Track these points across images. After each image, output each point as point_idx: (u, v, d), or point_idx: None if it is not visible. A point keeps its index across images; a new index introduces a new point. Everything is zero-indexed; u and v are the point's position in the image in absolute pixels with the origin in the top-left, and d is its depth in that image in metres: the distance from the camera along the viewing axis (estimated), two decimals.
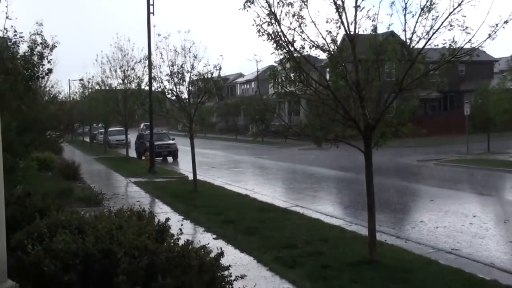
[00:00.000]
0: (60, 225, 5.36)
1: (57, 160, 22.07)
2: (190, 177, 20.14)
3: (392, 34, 9.07)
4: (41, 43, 11.85)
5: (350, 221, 12.55)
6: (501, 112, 29.05)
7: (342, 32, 8.66)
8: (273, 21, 8.84)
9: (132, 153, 36.13)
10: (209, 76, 17.19)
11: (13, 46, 11.49)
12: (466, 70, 51.62)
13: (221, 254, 5.11)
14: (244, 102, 62.38)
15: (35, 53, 11.75)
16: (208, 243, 5.92)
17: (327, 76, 9.29)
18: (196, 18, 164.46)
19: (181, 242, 5.42)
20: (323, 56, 9.46)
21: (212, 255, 5.21)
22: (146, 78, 28.01)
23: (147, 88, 27.74)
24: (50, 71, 12.52)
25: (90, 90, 40.59)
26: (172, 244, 5.05)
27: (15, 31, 11.35)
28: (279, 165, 29.72)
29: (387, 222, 12.14)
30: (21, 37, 11.58)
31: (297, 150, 38.49)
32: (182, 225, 6.62)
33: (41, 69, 11.99)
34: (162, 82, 17.53)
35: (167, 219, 6.09)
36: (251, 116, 54.81)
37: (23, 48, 11.92)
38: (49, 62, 12.13)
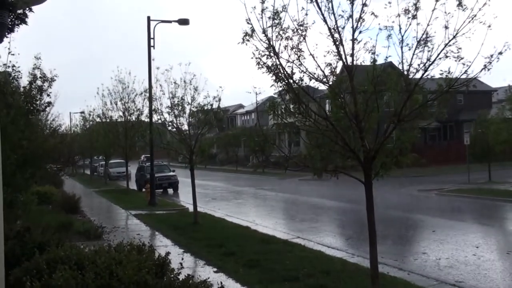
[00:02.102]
0: (59, 260, 5.31)
1: (57, 193, 22.00)
2: (191, 209, 20.04)
3: (391, 65, 9.16)
4: (40, 77, 11.99)
5: (352, 252, 12.44)
6: (501, 141, 29.13)
7: (340, 64, 8.76)
8: (272, 54, 8.94)
9: (133, 185, 36.06)
10: (209, 108, 17.32)
11: (13, 81, 11.62)
12: (465, 100, 51.96)
13: None
14: (244, 133, 62.56)
15: (34, 87, 11.88)
16: (209, 277, 5.87)
17: (327, 107, 9.35)
18: (196, 50, 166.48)
19: (181, 277, 5.36)
20: (322, 87, 9.56)
21: None
22: (146, 110, 28.26)
23: (146, 120, 27.93)
24: (49, 104, 12.64)
25: (91, 122, 40.84)
26: (172, 279, 4.99)
27: (13, 66, 11.49)
28: (280, 196, 29.61)
29: (389, 254, 12.02)
30: (19, 71, 11.72)
31: (297, 181, 38.41)
32: (182, 259, 6.58)
33: (41, 102, 12.10)
34: (162, 114, 17.65)
35: (167, 253, 6.05)
36: (252, 147, 54.90)
37: (23, 82, 12.07)
38: (48, 95, 12.25)
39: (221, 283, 5.24)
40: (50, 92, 11.95)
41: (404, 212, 20.40)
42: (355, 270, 10.28)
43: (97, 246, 6.82)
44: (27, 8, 3.28)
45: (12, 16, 3.03)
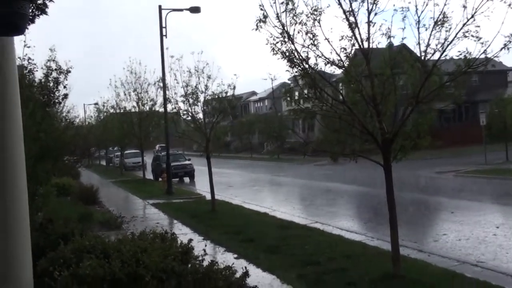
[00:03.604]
0: (84, 250, 5.39)
1: (75, 184, 22.23)
2: (208, 197, 20.16)
3: (404, 47, 9.06)
4: (55, 69, 12.03)
5: (371, 236, 12.42)
6: None
7: (356, 48, 8.69)
8: (286, 39, 8.89)
9: (149, 175, 36.28)
10: (224, 96, 17.30)
11: (28, 74, 11.67)
12: (480, 80, 51.21)
13: (246, 274, 5.09)
14: (258, 120, 62.57)
15: (50, 79, 11.93)
16: (233, 263, 5.88)
17: (343, 91, 9.29)
18: (208, 37, 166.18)
19: (204, 263, 5.40)
20: (337, 71, 9.51)
21: (237, 275, 5.19)
22: (160, 100, 28.36)
23: (161, 109, 28.04)
24: (66, 96, 12.68)
25: (105, 113, 41.09)
26: (197, 265, 5.04)
27: (29, 58, 11.52)
28: (296, 182, 29.62)
29: (409, 236, 11.97)
30: (34, 64, 11.77)
31: (313, 166, 38.37)
32: (206, 245, 6.62)
33: (57, 94, 12.16)
34: (177, 103, 17.67)
35: (190, 240, 6.09)
36: (266, 134, 55.07)
37: (38, 75, 12.12)
38: (64, 87, 12.30)
39: (245, 267, 5.28)
40: (66, 84, 12.01)
41: (422, 194, 20.31)
42: (376, 253, 10.27)
43: (120, 235, 6.90)
44: None
45: (32, 7, 3.04)
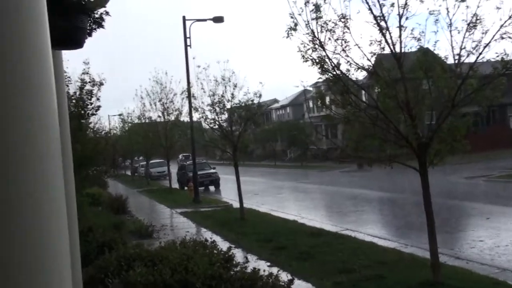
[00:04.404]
0: (130, 258, 5.44)
1: (105, 194, 22.49)
2: (235, 205, 20.18)
3: (427, 51, 8.97)
4: (89, 82, 12.27)
5: (404, 243, 12.27)
6: None
7: (381, 52, 8.67)
8: (317, 46, 8.91)
9: (174, 184, 36.49)
10: (250, 103, 17.38)
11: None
12: (508, 83, 50.31)
13: (291, 281, 5.08)
14: (281, 128, 62.64)
15: (84, 91, 12.18)
16: (264, 270, 5.87)
17: (375, 97, 9.24)
18: (226, 46, 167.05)
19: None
20: (364, 76, 9.48)
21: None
22: (185, 109, 28.58)
23: (186, 119, 28.23)
24: (99, 108, 12.91)
25: (129, 124, 41.55)
26: (241, 272, 5.05)
27: (64, 71, 11.79)
28: (322, 188, 29.47)
29: (445, 243, 11.74)
30: (68, 77, 12.03)
31: (338, 173, 38.15)
32: (247, 253, 6.61)
33: (91, 106, 12.39)
34: (204, 112, 17.80)
35: (230, 248, 6.11)
36: (290, 141, 55.10)
37: (72, 88, 12.36)
38: (98, 99, 12.53)
39: (291, 275, 5.27)
40: (100, 96, 12.24)
41: (454, 200, 19.95)
42: (411, 260, 10.15)
43: (161, 243, 6.92)
44: (105, 12, 3.38)
45: (89, 21, 3.13)
